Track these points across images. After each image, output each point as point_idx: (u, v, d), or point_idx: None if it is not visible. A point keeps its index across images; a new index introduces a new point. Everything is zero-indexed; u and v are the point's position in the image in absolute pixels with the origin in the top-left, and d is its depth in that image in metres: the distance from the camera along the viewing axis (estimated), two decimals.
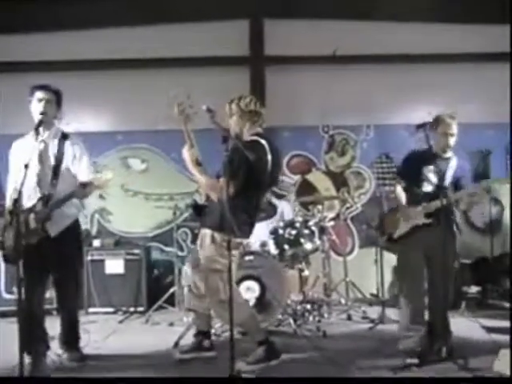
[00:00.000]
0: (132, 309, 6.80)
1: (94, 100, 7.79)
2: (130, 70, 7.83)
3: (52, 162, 4.49)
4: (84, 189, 4.37)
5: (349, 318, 6.27)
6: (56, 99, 4.64)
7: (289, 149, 7.92)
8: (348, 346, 5.14)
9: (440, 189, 4.59)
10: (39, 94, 4.56)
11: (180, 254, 7.37)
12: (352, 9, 7.81)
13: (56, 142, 4.56)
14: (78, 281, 4.93)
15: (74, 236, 4.63)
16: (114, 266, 6.98)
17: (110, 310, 6.83)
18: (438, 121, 4.71)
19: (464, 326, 5.65)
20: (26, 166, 3.78)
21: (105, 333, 5.74)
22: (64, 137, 4.61)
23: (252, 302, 5.45)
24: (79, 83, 7.59)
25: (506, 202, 7.95)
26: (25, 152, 4.34)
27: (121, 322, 6.41)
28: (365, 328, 5.86)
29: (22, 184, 3.75)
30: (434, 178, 4.70)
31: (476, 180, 7.34)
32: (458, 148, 4.90)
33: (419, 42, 7.80)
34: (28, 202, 4.39)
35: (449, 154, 4.77)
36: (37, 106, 4.52)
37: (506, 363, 3.49)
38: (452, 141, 4.71)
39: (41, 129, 4.49)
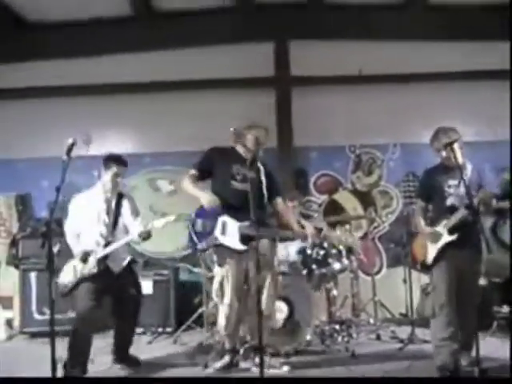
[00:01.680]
0: (160, 329, 6.83)
1: (121, 123, 7.92)
2: (157, 92, 7.95)
3: (112, 218, 5.23)
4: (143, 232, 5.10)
5: (378, 337, 6.21)
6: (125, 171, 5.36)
7: (316, 169, 8.00)
8: (378, 366, 5.08)
9: (459, 200, 4.57)
10: (115, 169, 5.24)
11: (209, 274, 7.40)
12: (378, 29, 7.87)
13: (115, 201, 5.31)
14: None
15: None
16: (143, 286, 6.99)
17: (139, 330, 6.84)
18: (438, 133, 4.70)
19: (496, 346, 5.56)
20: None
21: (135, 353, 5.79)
22: (121, 196, 5.37)
23: (280, 323, 5.45)
24: (107, 107, 7.77)
25: None
26: (89, 205, 5.21)
27: (150, 342, 6.44)
28: (394, 348, 5.80)
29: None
30: (453, 190, 4.64)
31: (503, 198, 7.33)
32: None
33: (447, 60, 7.81)
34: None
35: (461, 162, 4.63)
36: (113, 178, 5.23)
37: None
38: (453, 151, 4.52)
39: (108, 190, 5.27)
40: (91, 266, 4.96)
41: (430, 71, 7.87)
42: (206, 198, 4.85)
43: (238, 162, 4.97)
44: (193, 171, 5.08)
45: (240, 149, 5.03)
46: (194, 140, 7.57)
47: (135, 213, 5.36)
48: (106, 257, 5.04)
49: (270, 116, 7.77)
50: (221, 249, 4.93)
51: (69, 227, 5.25)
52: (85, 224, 5.17)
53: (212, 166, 5.08)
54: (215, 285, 4.97)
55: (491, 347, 5.32)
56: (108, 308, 5.19)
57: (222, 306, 4.93)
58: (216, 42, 7.91)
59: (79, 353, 4.83)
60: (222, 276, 4.89)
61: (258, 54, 7.97)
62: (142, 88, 7.96)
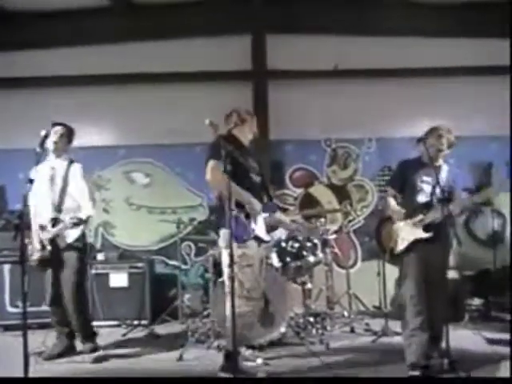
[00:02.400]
0: (136, 322, 6.82)
1: (96, 115, 7.86)
2: (133, 84, 7.90)
3: (59, 187, 5.24)
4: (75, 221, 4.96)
5: (352, 330, 6.27)
6: (68, 134, 5.36)
7: (291, 162, 8.02)
8: (351, 358, 5.15)
9: (435, 199, 4.64)
10: (55, 128, 5.27)
11: (183, 267, 7.42)
12: (353, 24, 7.91)
13: (64, 168, 5.27)
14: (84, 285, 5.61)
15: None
16: (118, 279, 7.01)
17: (114, 323, 6.84)
18: (431, 131, 4.75)
19: (467, 338, 5.65)
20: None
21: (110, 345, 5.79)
22: (70, 163, 5.32)
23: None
24: (82, 98, 7.71)
25: (507, 213, 7.99)
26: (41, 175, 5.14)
27: (124, 334, 6.43)
28: (368, 340, 5.86)
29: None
30: (427, 187, 4.70)
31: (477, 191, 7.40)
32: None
33: (421, 55, 7.88)
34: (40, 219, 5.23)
35: (439, 162, 4.75)
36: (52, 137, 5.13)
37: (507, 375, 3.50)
38: (440, 151, 4.70)
39: (52, 156, 5.27)
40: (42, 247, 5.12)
41: (405, 66, 7.92)
42: (255, 202, 4.61)
43: (246, 154, 4.76)
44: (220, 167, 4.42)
45: (244, 138, 4.87)
46: (169, 133, 7.57)
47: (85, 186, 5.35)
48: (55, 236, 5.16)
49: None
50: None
51: (30, 202, 5.30)
52: (35, 197, 5.23)
53: (233, 159, 4.50)
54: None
55: (463, 339, 5.40)
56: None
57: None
58: (193, 34, 7.88)
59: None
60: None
61: (236, 47, 7.95)
62: (118, 80, 7.89)
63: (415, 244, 4.62)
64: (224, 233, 4.49)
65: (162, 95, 7.68)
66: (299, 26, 7.92)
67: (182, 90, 7.72)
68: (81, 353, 5.34)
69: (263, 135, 7.76)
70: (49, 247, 5.10)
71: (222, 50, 7.87)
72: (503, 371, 3.57)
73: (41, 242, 5.13)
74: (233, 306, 3.99)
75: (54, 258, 5.16)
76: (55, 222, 5.12)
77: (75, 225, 4.93)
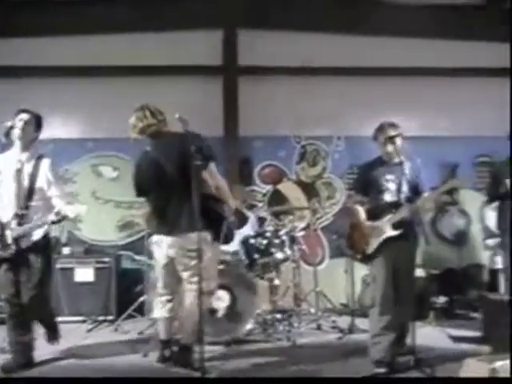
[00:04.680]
0: (101, 317, 6.74)
1: (64, 107, 7.72)
2: (102, 77, 7.80)
3: (27, 183, 4.73)
4: (57, 218, 4.55)
5: (318, 327, 6.29)
6: (35, 122, 4.86)
7: (260, 159, 8.01)
8: (317, 355, 5.16)
9: (401, 196, 4.67)
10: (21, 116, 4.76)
11: (151, 262, 7.35)
12: (326, 21, 7.92)
13: (32, 163, 4.78)
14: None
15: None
16: (84, 274, 6.92)
17: (79, 318, 6.75)
18: (379, 129, 4.77)
19: (432, 335, 5.74)
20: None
21: (74, 341, 5.71)
22: (39, 158, 4.83)
23: (222, 312, 5.47)
24: (49, 90, 7.58)
25: (473, 213, 8.11)
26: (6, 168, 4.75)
27: (90, 330, 6.36)
28: (334, 338, 5.88)
29: None
30: (392, 186, 4.72)
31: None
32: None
33: (392, 55, 7.94)
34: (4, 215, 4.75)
35: (398, 159, 4.74)
36: (17, 124, 4.71)
37: (472, 372, 3.55)
38: (394, 147, 4.68)
39: (19, 147, 4.76)
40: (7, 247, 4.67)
41: (376, 65, 7.97)
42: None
43: None
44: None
45: None
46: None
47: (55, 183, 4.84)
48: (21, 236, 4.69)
49: (217, 105, 7.75)
50: None
51: None
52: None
53: None
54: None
55: (428, 336, 5.49)
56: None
57: None
58: (164, 28, 7.81)
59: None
60: None
61: (207, 42, 7.91)
62: (87, 72, 7.78)
63: (385, 243, 4.64)
64: None
65: (132, 89, 7.57)
66: (271, 21, 7.90)
67: (152, 83, 7.61)
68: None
69: (233, 131, 7.78)
70: (13, 246, 4.67)
71: (192, 44, 7.80)
72: (465, 368, 3.61)
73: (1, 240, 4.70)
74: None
75: (16, 258, 4.70)
76: (21, 219, 4.68)
77: (55, 222, 4.68)
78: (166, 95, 7.45)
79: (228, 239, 4.75)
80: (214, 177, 4.50)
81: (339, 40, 7.95)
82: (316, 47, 7.90)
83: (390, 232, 4.62)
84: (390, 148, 4.69)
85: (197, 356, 4.25)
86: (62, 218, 4.55)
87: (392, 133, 4.69)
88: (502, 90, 7.92)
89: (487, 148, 8.01)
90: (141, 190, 4.72)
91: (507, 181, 6.14)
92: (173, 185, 4.44)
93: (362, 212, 4.82)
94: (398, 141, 4.71)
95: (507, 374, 3.39)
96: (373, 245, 4.68)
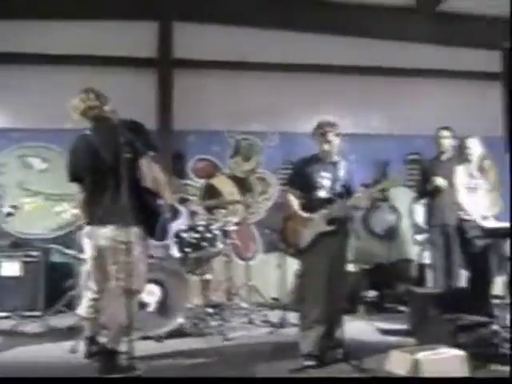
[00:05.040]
0: (28, 313, 6.56)
1: None
2: (32, 65, 7.57)
3: None
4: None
5: (250, 322, 6.30)
6: None
7: (194, 153, 7.96)
8: (249, 349, 5.18)
9: (335, 194, 4.73)
10: None
11: (81, 256, 7.19)
12: (262, 17, 7.93)
13: None
14: None
15: None
16: (10, 268, 6.72)
17: (4, 314, 6.54)
18: (318, 127, 4.83)
19: (361, 328, 5.86)
20: None
21: None
22: None
23: (153, 306, 5.41)
24: None
25: (403, 209, 8.30)
26: None
27: (15, 326, 6.18)
28: (265, 332, 5.92)
29: None
30: (326, 183, 4.77)
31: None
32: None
33: (326, 52, 8.04)
34: None
35: (335, 158, 4.84)
36: None
37: (396, 363, 3.64)
38: (331, 146, 4.77)
39: None
40: None
41: (311, 62, 8.05)
42: None
43: None
44: None
45: None
46: (69, 117, 7.30)
47: None
48: None
49: (151, 97, 7.66)
50: None
51: None
52: None
53: None
54: None
55: (357, 330, 5.62)
56: None
57: None
58: (100, 17, 7.64)
59: None
60: None
61: (142, 33, 7.80)
62: (15, 59, 7.53)
63: (318, 238, 4.69)
64: None
65: (62, 78, 7.39)
66: (208, 15, 7.85)
67: (84, 73, 7.43)
68: None
69: (167, 125, 7.70)
70: None
71: (128, 35, 7.69)
72: (391, 360, 3.70)
73: None
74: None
75: None
76: None
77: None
78: (99, 85, 7.27)
79: (163, 235, 4.67)
80: (152, 168, 4.36)
81: (275, 36, 7.99)
82: (253, 42, 7.92)
83: (324, 227, 4.67)
84: (326, 147, 4.77)
85: (124, 353, 4.15)
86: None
87: (330, 133, 4.76)
88: (433, 90, 8.18)
89: (417, 146, 8.21)
90: (74, 174, 4.46)
91: (435, 178, 6.31)
92: (108, 173, 4.25)
93: (297, 203, 4.84)
94: (336, 140, 4.79)
95: (430, 365, 3.48)
96: (306, 239, 4.72)
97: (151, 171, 4.34)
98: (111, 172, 4.23)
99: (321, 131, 4.78)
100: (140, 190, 4.25)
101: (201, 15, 7.85)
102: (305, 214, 4.76)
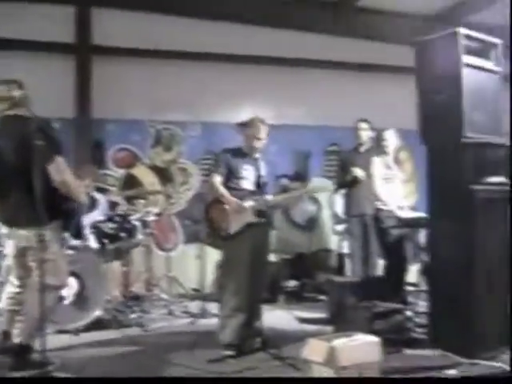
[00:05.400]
0: None
1: None
2: None
3: None
4: None
5: (170, 313, 6.27)
6: None
7: (114, 142, 7.78)
8: (168, 341, 5.15)
9: (259, 188, 4.80)
10: None
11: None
12: (182, 5, 7.83)
13: None
14: None
15: None
16: None
17: None
18: (249, 123, 4.87)
19: (281, 317, 5.92)
20: None
21: None
22: None
23: (70, 299, 5.28)
24: None
25: (323, 200, 8.44)
26: None
27: None
28: (186, 322, 5.90)
29: None
30: (249, 175, 4.82)
31: (296, 179, 7.75)
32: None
33: (247, 42, 8.04)
34: None
35: (257, 155, 4.92)
36: None
37: (313, 351, 3.69)
38: (260, 144, 4.85)
39: None
40: None
41: (232, 52, 8.03)
42: None
43: None
44: None
45: None
46: None
47: None
48: None
49: (69, 84, 7.45)
50: None
51: None
52: None
53: None
54: None
55: (277, 319, 5.71)
56: None
57: None
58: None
59: None
60: None
61: (59, 18, 7.52)
62: None
63: (245, 228, 4.70)
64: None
65: None
66: (127, 1, 7.70)
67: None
68: None
69: (85, 113, 7.51)
70: None
71: (45, 19, 7.37)
72: (308, 347, 3.76)
73: None
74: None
75: None
76: None
77: None
78: (14, 71, 6.99)
79: (77, 232, 4.56)
80: (61, 172, 4.10)
81: (196, 24, 7.90)
82: (173, 30, 7.81)
83: (252, 218, 4.70)
84: (257, 144, 4.83)
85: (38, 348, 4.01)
86: None
87: (262, 133, 4.81)
88: (352, 83, 8.34)
89: (337, 138, 8.36)
90: None
91: (353, 169, 6.44)
92: (15, 173, 4.04)
93: (223, 188, 4.80)
94: (264, 140, 4.83)
95: (345, 352, 3.55)
96: (234, 228, 4.73)
97: (60, 175, 4.09)
98: (18, 172, 4.01)
99: (254, 128, 4.80)
100: (51, 189, 4.07)
101: (120, 1, 7.68)
102: (238, 201, 4.74)
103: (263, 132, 4.83)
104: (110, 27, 7.63)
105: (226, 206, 4.75)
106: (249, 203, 4.73)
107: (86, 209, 4.77)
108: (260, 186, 4.83)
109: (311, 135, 8.33)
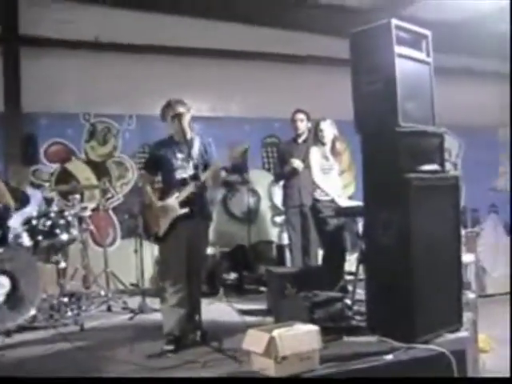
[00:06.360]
0: None
1: None
2: None
3: None
4: None
5: (109, 309, 6.15)
6: None
7: (47, 136, 7.58)
8: (107, 338, 5.05)
9: (190, 175, 4.66)
10: None
11: None
12: None
13: None
14: None
15: None
16: None
17: None
18: (166, 106, 4.74)
19: (221, 310, 5.89)
20: None
21: None
22: None
23: (1, 299, 5.10)
24: None
25: (262, 191, 8.46)
26: None
27: None
28: (125, 318, 5.80)
29: None
30: (183, 164, 4.69)
31: (234, 171, 7.73)
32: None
33: (186, 34, 7.99)
34: None
35: (188, 136, 4.74)
36: None
37: (253, 342, 3.68)
38: (182, 123, 4.65)
39: None
40: None
41: (168, 44, 7.93)
42: None
43: None
44: None
45: None
46: None
47: None
48: None
49: None
50: None
51: None
52: None
53: None
54: None
55: (217, 312, 5.68)
56: None
57: None
58: None
59: None
60: None
61: None
62: None
63: (176, 222, 4.62)
64: None
65: None
66: None
67: None
68: None
69: (15, 106, 7.28)
70: None
71: None
72: (247, 339, 3.75)
73: None
74: None
75: None
76: None
77: None
78: None
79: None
80: None
81: (131, 16, 7.78)
82: (108, 22, 7.68)
83: (179, 210, 4.61)
84: (177, 125, 4.66)
85: None
86: None
87: (180, 109, 4.67)
88: (290, 75, 8.37)
89: (275, 129, 8.38)
90: None
91: (292, 160, 6.46)
92: None
93: (151, 193, 4.77)
94: (187, 117, 4.71)
95: (285, 342, 3.55)
96: (164, 225, 4.66)
97: None
98: None
99: (169, 108, 4.69)
100: None
101: None
102: (159, 203, 4.69)
103: (180, 107, 4.66)
104: (40, 17, 7.42)
105: (155, 210, 4.70)
106: (174, 195, 4.63)
107: (13, 209, 4.62)
108: (193, 172, 4.66)
109: (248, 127, 8.33)
